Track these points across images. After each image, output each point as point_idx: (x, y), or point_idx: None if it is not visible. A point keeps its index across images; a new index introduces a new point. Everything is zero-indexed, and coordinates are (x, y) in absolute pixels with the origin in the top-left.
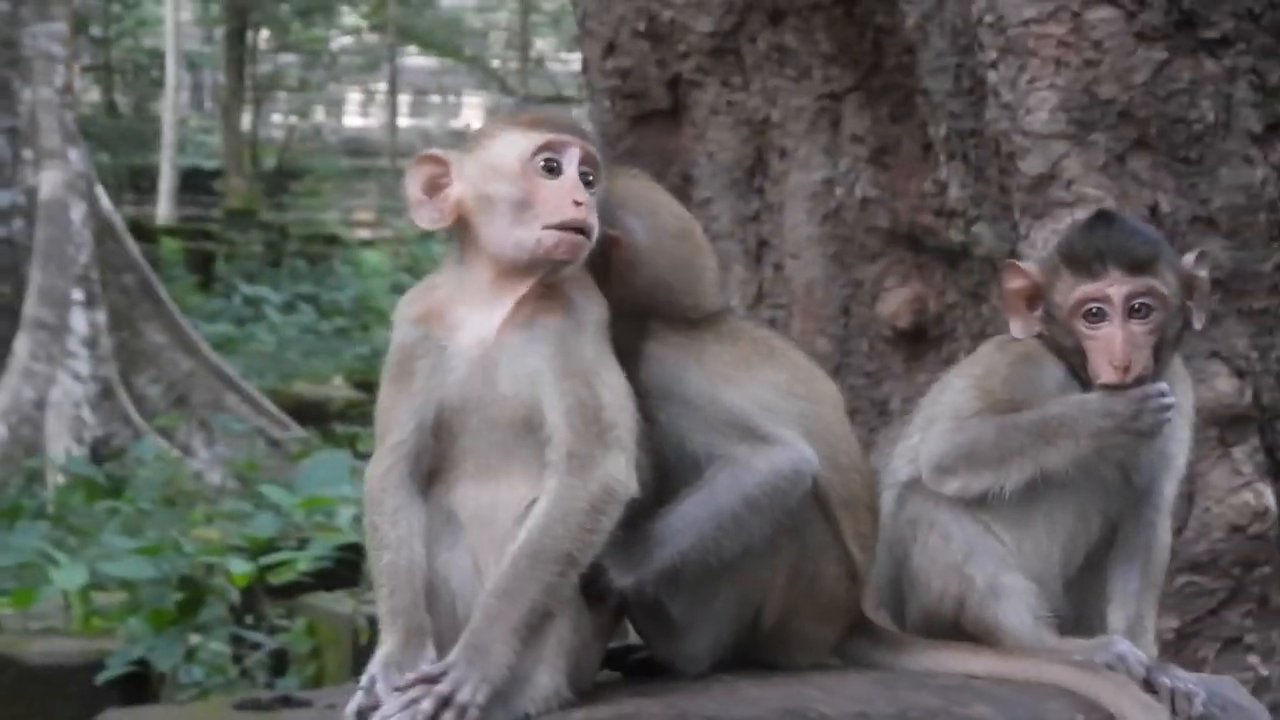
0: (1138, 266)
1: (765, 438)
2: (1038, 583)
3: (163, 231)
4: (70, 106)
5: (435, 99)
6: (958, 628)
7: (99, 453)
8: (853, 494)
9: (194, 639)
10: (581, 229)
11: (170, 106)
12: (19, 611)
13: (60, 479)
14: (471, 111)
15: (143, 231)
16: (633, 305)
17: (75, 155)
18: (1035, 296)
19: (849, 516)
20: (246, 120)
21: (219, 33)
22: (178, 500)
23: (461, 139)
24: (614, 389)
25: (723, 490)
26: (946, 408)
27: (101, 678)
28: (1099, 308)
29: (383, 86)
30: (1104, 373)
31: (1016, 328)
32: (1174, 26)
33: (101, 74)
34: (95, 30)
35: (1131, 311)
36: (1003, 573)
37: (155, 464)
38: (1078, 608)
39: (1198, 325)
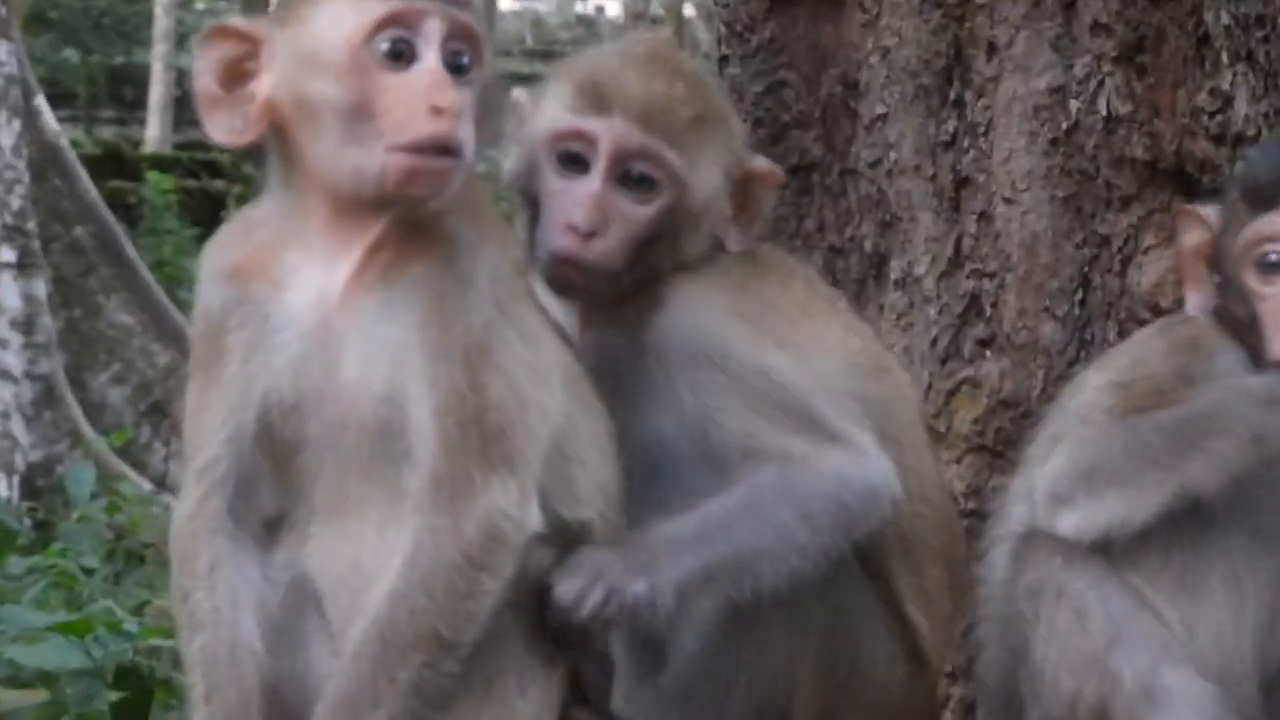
0: None
1: (833, 435)
2: (1219, 682)
3: (150, 162)
4: None
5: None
6: None
7: (36, 484)
8: (916, 536)
9: None
10: (446, 146)
11: None
12: None
13: None
14: None
15: (122, 162)
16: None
17: (4, 51)
18: (1216, 254)
19: (908, 570)
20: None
21: None
22: (133, 554)
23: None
24: (511, 376)
25: (772, 494)
26: (1073, 416)
27: None
28: (1274, 251)
29: None
30: (1272, 343)
31: (1193, 300)
32: None
33: None
34: None
35: None
36: (1165, 667)
37: (104, 500)
38: None
39: None
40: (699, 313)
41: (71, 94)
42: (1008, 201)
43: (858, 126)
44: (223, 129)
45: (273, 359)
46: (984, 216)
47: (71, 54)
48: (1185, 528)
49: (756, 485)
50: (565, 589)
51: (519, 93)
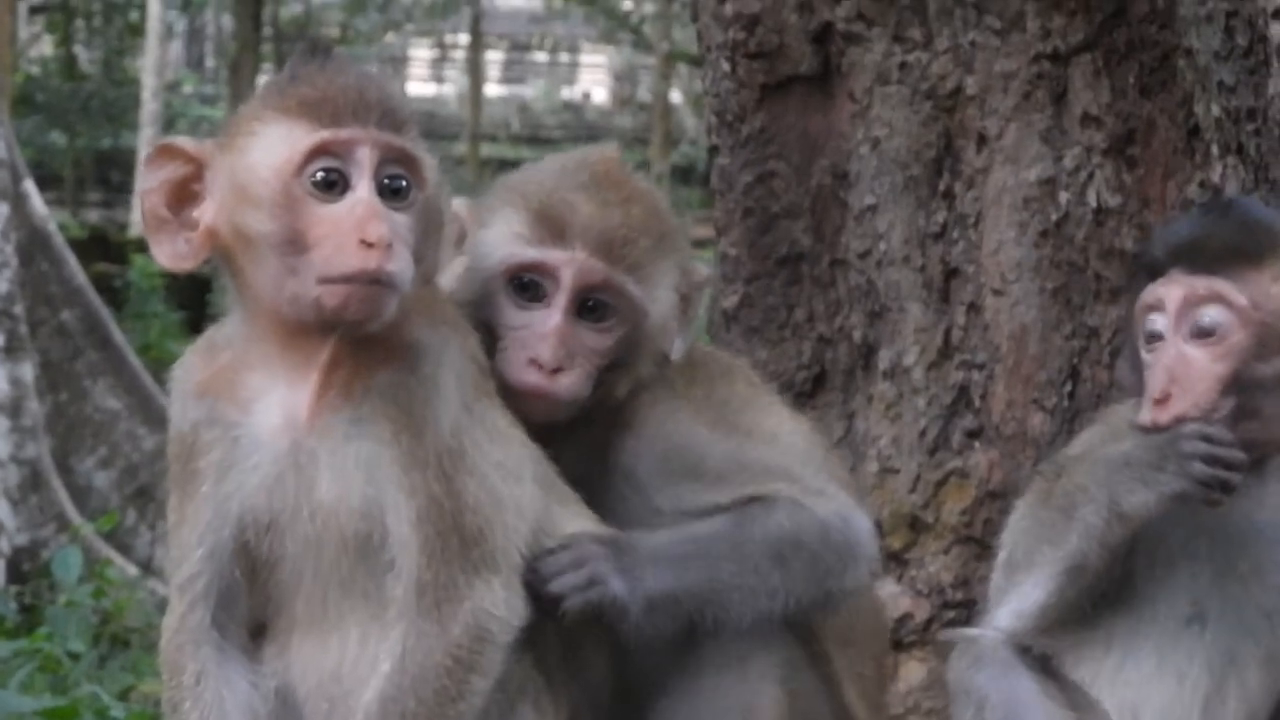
0: (1207, 263)
1: (818, 491)
2: None
3: (136, 245)
4: None
5: (539, 57)
6: None
7: (22, 568)
8: (854, 625)
9: None
10: (376, 279)
11: (153, 65)
12: None
13: None
14: (592, 75)
15: (108, 246)
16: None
17: None
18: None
19: (846, 657)
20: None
21: None
22: (119, 639)
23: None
24: (485, 477)
25: (756, 525)
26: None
27: None
28: (1154, 320)
29: (463, 39)
30: (1142, 409)
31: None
32: None
33: (57, 17)
34: None
35: (1194, 331)
36: None
37: (91, 585)
38: None
39: None
40: (663, 428)
41: (58, 177)
42: (997, 293)
43: (847, 217)
44: (167, 253)
45: (245, 480)
46: (973, 307)
47: (58, 137)
48: (1120, 615)
49: (740, 515)
50: (552, 562)
51: (459, 204)
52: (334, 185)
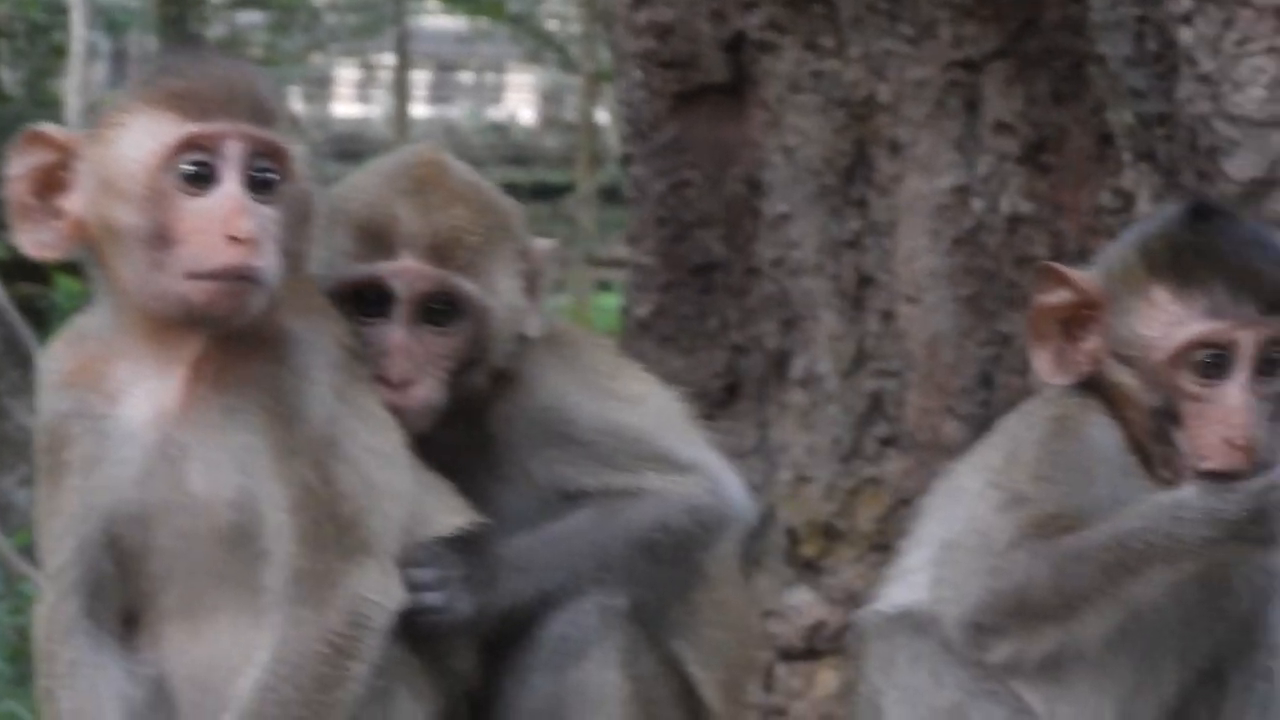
0: (1277, 301)
1: (685, 466)
2: None
3: (62, 268)
4: None
5: (465, 77)
6: None
7: None
8: (705, 609)
9: None
10: (242, 275)
11: (78, 85)
12: None
13: None
14: (519, 95)
15: (32, 267)
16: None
17: None
18: (1083, 320)
19: (696, 639)
20: None
21: None
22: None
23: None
24: (359, 464)
25: (618, 521)
26: (967, 529)
27: None
28: (1219, 356)
29: (388, 59)
30: (1216, 455)
31: (1045, 365)
32: None
33: None
34: None
35: (1261, 367)
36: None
37: (8, 601)
38: None
39: None
40: (534, 391)
41: None
42: (910, 300)
43: (760, 225)
44: (32, 241)
45: (115, 473)
46: (887, 315)
47: None
48: None
49: (601, 512)
50: (411, 577)
51: (322, 194)
52: (202, 179)
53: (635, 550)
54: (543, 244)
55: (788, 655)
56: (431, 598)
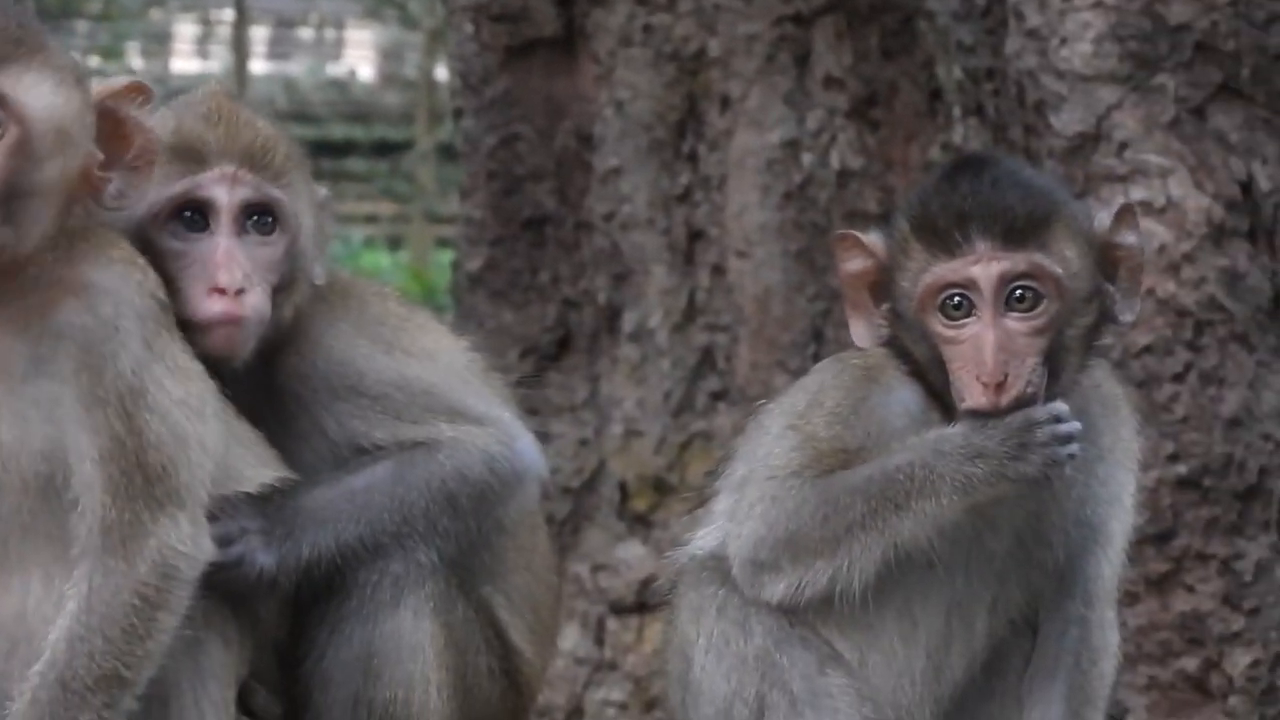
0: (1016, 235)
1: (479, 419)
2: (891, 712)
3: None
4: None
5: (305, 33)
6: None
7: None
8: (509, 554)
9: None
10: None
11: None
12: None
13: None
14: (358, 52)
15: None
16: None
17: None
18: (882, 282)
19: (504, 584)
20: None
21: None
22: None
23: None
24: (167, 414)
25: (415, 472)
26: (759, 465)
27: None
28: (961, 296)
29: (227, 15)
30: (970, 392)
31: (857, 330)
32: None
33: None
34: None
35: (1009, 301)
36: (830, 671)
37: None
38: None
39: (1126, 317)
40: (323, 345)
41: None
42: (741, 255)
43: (592, 179)
44: None
45: None
46: (717, 270)
47: None
48: None
49: (399, 464)
50: (210, 531)
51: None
52: None
53: (434, 501)
54: (322, 190)
55: (618, 609)
56: (231, 550)
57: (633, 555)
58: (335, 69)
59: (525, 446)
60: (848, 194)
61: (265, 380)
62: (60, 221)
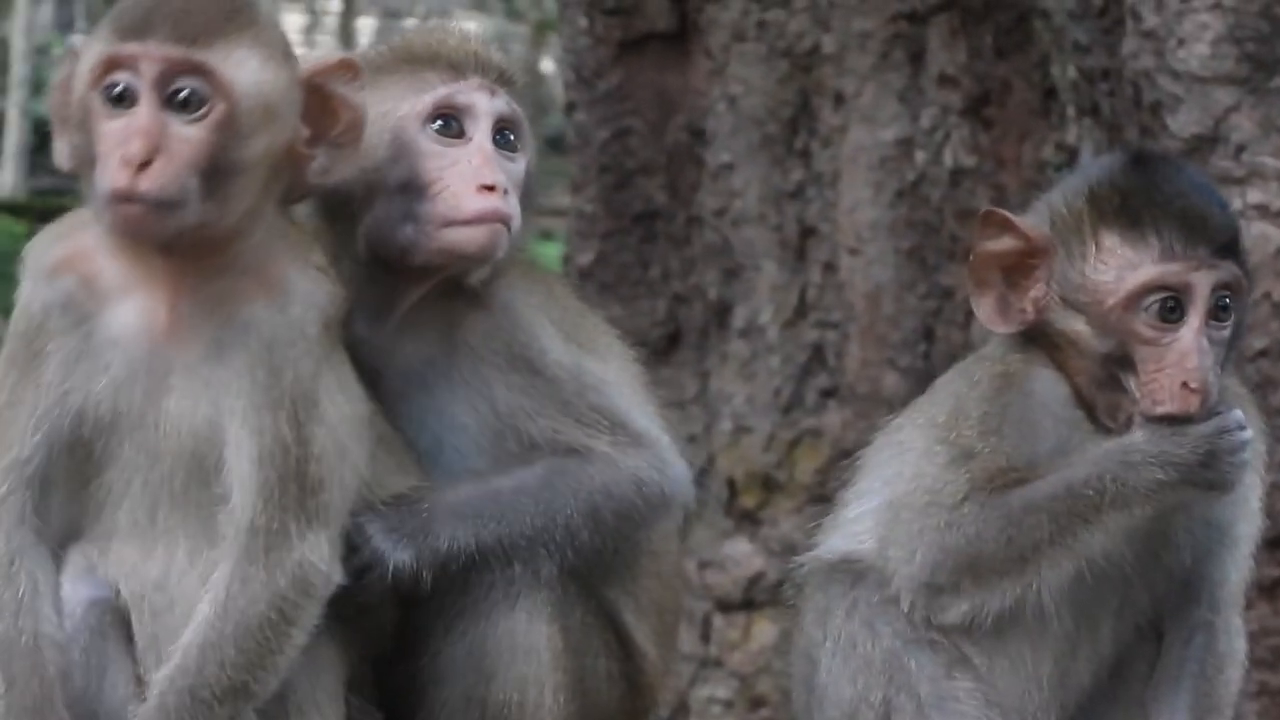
0: (1229, 246)
1: (637, 438)
2: (1016, 717)
3: (4, 208)
4: None
5: (411, 25)
6: None
7: None
8: (640, 560)
9: None
10: (133, 197)
11: (23, 27)
12: None
13: None
14: None
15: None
16: None
17: None
18: (1026, 267)
19: (628, 589)
20: None
21: None
22: None
23: None
24: (333, 429)
25: (565, 481)
26: (914, 488)
27: None
28: (1175, 300)
29: (335, 5)
30: (1171, 398)
31: (987, 313)
32: None
33: None
34: None
35: (1213, 310)
36: (958, 675)
37: None
38: None
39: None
40: (515, 313)
41: None
42: (852, 252)
43: (703, 174)
44: (64, 155)
45: (95, 375)
46: (828, 267)
47: None
48: None
49: (550, 470)
50: (354, 528)
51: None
52: (121, 99)
53: (578, 513)
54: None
55: (725, 606)
56: (358, 558)
57: (740, 552)
58: None
59: (678, 474)
60: (960, 192)
61: (448, 333)
62: (264, 198)
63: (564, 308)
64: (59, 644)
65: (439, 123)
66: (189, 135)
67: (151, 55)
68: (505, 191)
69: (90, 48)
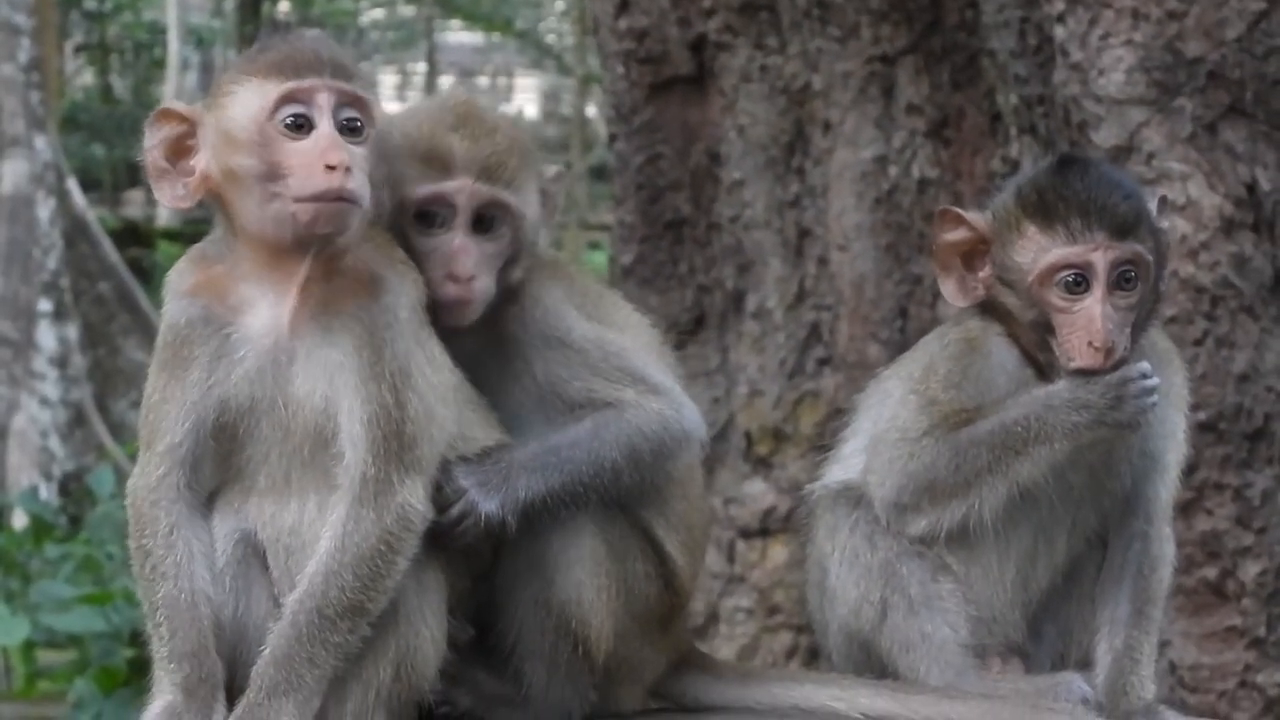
0: (1125, 229)
1: (655, 388)
2: (988, 612)
3: (162, 234)
4: (38, 86)
5: (483, 81)
6: (873, 652)
7: (69, 488)
8: (670, 484)
9: None
10: (341, 195)
11: (174, 90)
12: None
13: (25, 519)
14: (525, 95)
15: (139, 235)
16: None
17: (43, 143)
18: (978, 253)
19: (667, 508)
20: None
21: (230, 4)
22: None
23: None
24: (424, 395)
25: (608, 431)
26: (889, 427)
27: None
28: (1079, 275)
29: (421, 67)
30: (1080, 355)
31: (951, 291)
32: None
33: (96, 53)
34: (89, 3)
35: (1116, 281)
36: (941, 579)
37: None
38: (1055, 644)
39: (1162, 288)
40: (544, 304)
41: (98, 182)
42: (841, 249)
43: (720, 189)
44: (169, 196)
45: (234, 370)
46: (822, 261)
47: (98, 150)
48: None
49: (595, 424)
50: (446, 486)
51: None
52: (301, 126)
53: (622, 455)
54: (552, 168)
55: (745, 534)
56: (453, 510)
57: (756, 490)
58: (506, 108)
59: (691, 413)
60: (926, 199)
61: (493, 328)
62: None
63: (584, 293)
64: (212, 599)
65: (428, 213)
66: (359, 153)
67: (328, 87)
68: (472, 278)
69: (255, 90)
